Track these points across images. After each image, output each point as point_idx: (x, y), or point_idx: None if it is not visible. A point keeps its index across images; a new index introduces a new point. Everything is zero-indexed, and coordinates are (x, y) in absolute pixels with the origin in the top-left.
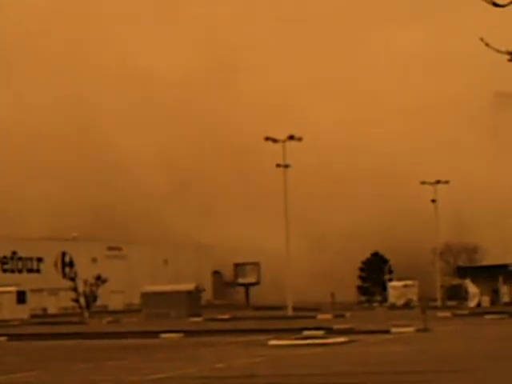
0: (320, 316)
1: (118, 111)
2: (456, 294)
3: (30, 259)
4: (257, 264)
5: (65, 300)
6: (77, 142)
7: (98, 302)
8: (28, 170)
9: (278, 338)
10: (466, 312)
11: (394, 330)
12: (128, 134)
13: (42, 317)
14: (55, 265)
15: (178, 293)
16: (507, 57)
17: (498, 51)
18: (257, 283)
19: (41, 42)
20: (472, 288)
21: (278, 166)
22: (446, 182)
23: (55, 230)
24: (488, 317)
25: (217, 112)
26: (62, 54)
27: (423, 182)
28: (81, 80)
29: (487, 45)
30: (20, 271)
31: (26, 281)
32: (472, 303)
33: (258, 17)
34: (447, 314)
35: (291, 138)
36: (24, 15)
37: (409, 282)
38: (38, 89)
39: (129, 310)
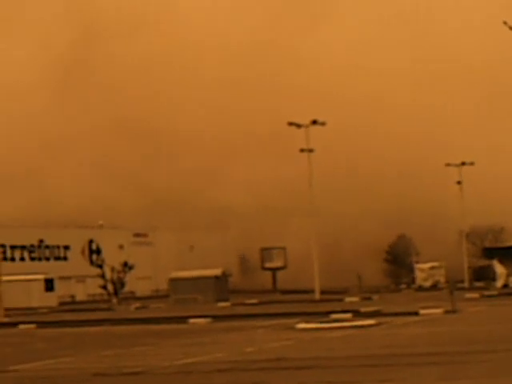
0: (347, 299)
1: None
2: (483, 275)
3: (58, 247)
4: (283, 248)
5: (92, 287)
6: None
7: (126, 289)
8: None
9: (306, 322)
10: (494, 293)
11: (422, 311)
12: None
13: (70, 304)
14: (82, 252)
15: (205, 278)
16: None
17: None
18: (284, 267)
19: None
20: (499, 268)
21: (302, 150)
22: (472, 164)
23: (81, 218)
24: None
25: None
26: None
27: (448, 164)
28: None
29: (511, 28)
30: (47, 259)
31: (54, 269)
32: (499, 283)
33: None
34: (475, 295)
35: (314, 122)
36: None
37: (436, 264)
38: None
39: (156, 296)
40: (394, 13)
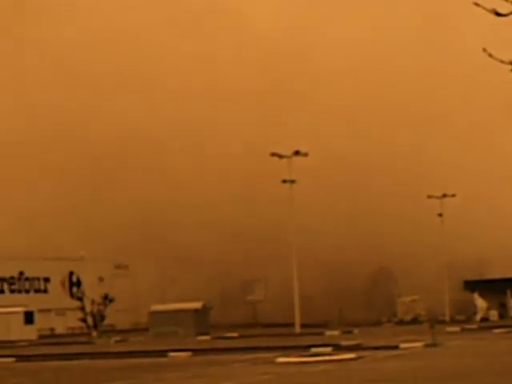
0: (328, 332)
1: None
2: (464, 309)
3: (38, 279)
4: (264, 280)
5: (72, 320)
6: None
7: (106, 322)
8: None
9: (286, 356)
10: (474, 326)
11: (402, 345)
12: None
13: (49, 337)
14: (62, 284)
15: (185, 311)
16: (510, 67)
17: (501, 61)
18: (264, 300)
19: None
20: (480, 302)
21: (284, 181)
22: (453, 196)
23: (62, 249)
24: (496, 331)
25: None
26: None
27: (430, 196)
28: None
29: (490, 55)
30: (27, 291)
31: (34, 301)
32: (477, 317)
33: None
34: (456, 328)
35: (297, 153)
36: None
37: (416, 297)
38: None
39: (136, 329)
40: (393, 43)
